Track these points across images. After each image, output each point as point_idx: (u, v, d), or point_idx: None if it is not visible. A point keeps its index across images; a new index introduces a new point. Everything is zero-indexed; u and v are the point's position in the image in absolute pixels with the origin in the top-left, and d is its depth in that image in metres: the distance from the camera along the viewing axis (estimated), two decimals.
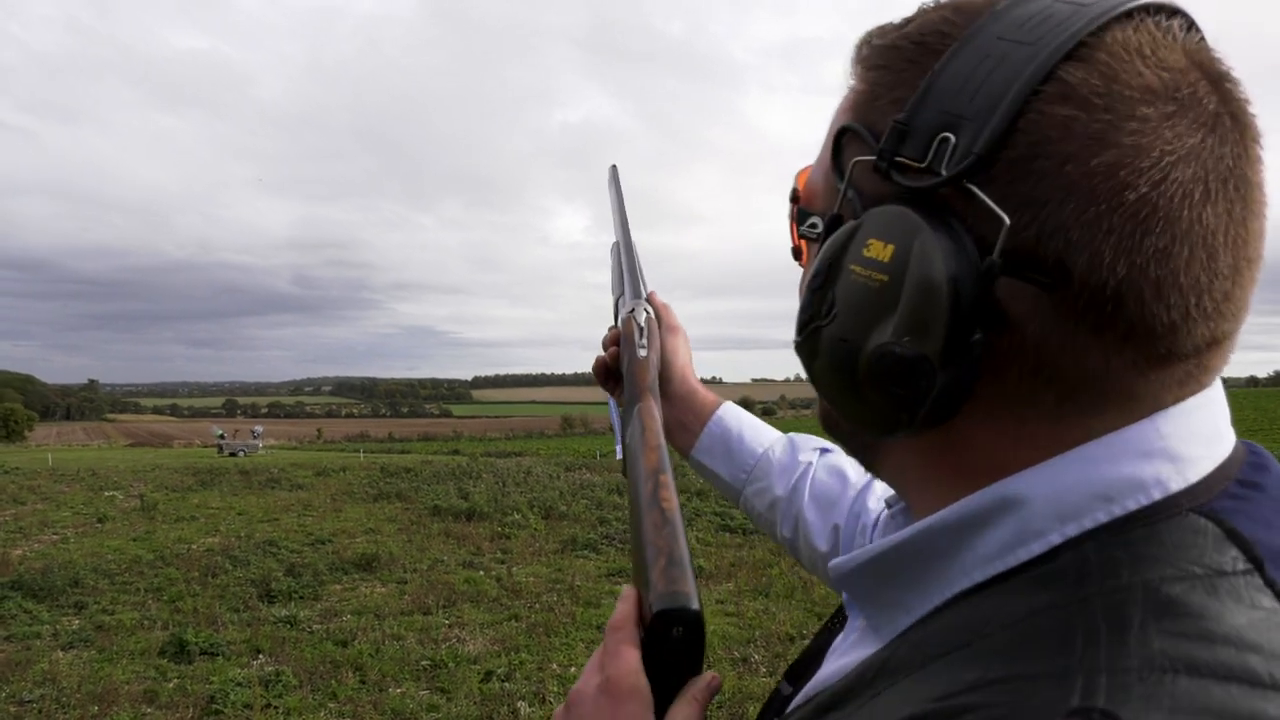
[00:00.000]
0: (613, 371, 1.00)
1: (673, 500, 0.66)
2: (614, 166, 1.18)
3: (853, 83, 0.52)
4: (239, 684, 5.89)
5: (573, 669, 6.27)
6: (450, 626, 7.37)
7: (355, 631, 7.12)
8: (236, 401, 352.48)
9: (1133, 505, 0.43)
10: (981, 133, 0.42)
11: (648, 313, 0.98)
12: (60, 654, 6.63)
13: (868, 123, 0.49)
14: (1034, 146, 0.42)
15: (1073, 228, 0.41)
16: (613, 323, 1.05)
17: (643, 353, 0.93)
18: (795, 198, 0.58)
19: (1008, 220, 0.41)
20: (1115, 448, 0.44)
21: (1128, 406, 0.44)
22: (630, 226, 1.11)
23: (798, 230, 0.58)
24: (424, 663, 6.38)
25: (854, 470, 0.96)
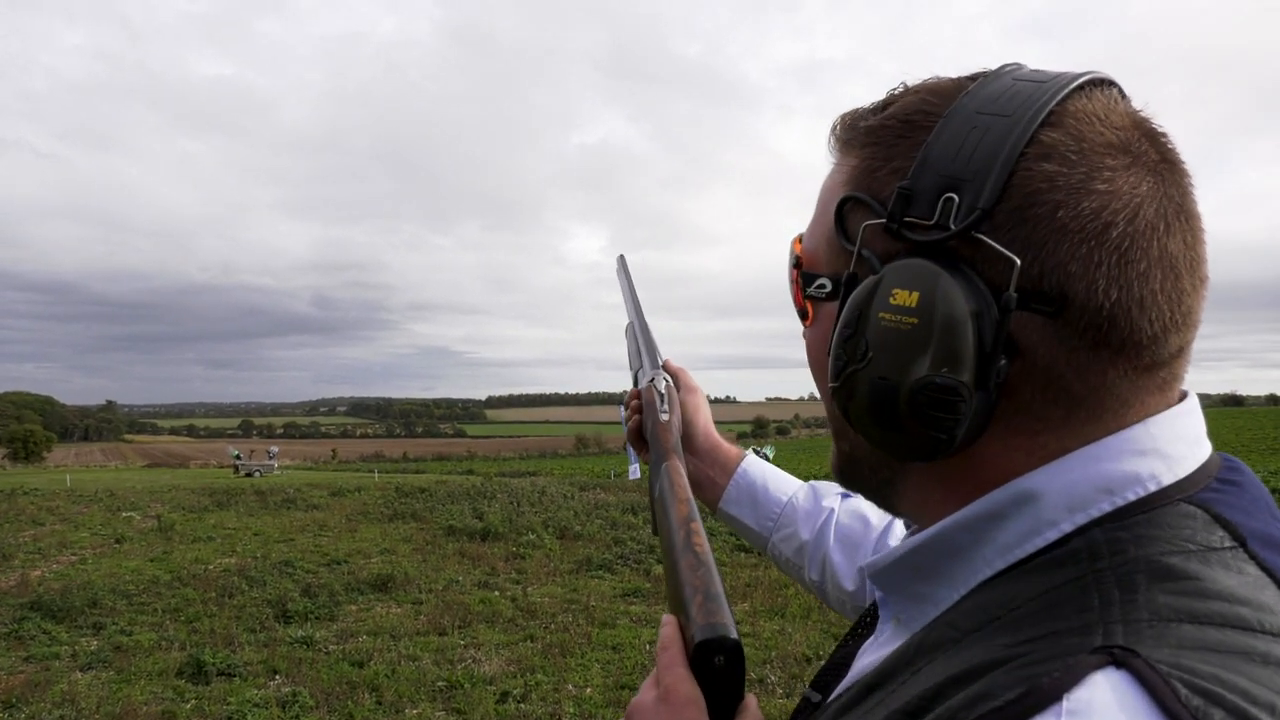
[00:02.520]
0: (641, 435, 1.08)
1: (705, 544, 0.71)
2: (622, 256, 1.27)
3: (837, 160, 0.60)
4: (256, 705, 5.91)
5: (588, 690, 6.25)
6: (466, 647, 7.37)
7: (371, 652, 7.13)
8: (253, 422, 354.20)
9: (1131, 496, 0.50)
10: (983, 190, 0.49)
11: (666, 380, 1.07)
12: (79, 675, 6.67)
13: (871, 192, 0.55)
14: (1028, 198, 0.49)
15: (1070, 262, 0.48)
16: (633, 388, 1.13)
17: (665, 416, 1.00)
18: (798, 263, 0.63)
19: (1018, 261, 0.48)
20: (1114, 448, 0.51)
21: (1120, 413, 0.51)
22: (642, 306, 1.20)
23: (803, 293, 0.63)
24: (440, 683, 6.38)
25: (875, 514, 1.01)
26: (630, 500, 17.39)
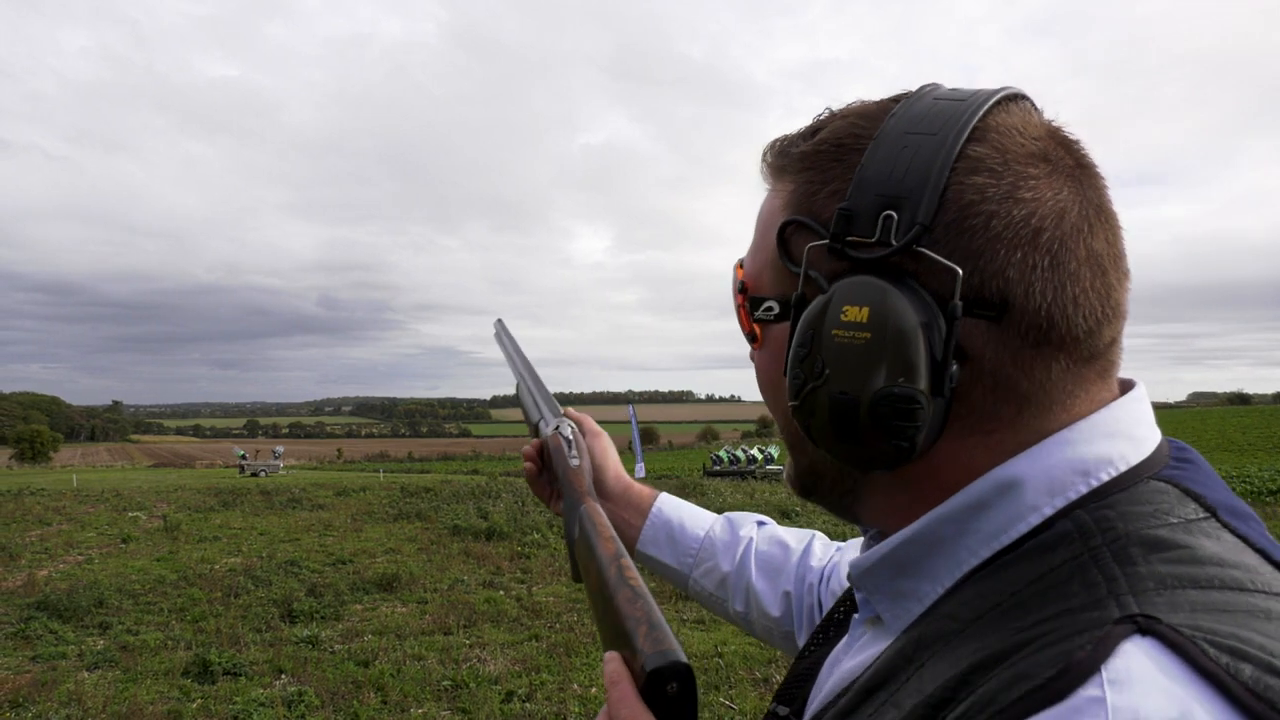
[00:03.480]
0: (549, 485, 1.08)
1: (638, 577, 0.72)
2: (499, 320, 1.31)
3: (772, 186, 0.63)
4: (262, 704, 5.92)
5: (593, 689, 6.25)
6: (471, 647, 7.38)
7: (376, 652, 7.14)
8: (258, 422, 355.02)
9: (1105, 477, 0.52)
10: (920, 206, 0.52)
11: (572, 427, 1.07)
12: (85, 674, 6.69)
13: (812, 214, 0.57)
14: (962, 210, 0.52)
15: (1007, 268, 0.51)
16: (535, 439, 1.13)
17: (575, 462, 1.00)
18: (743, 288, 0.65)
19: (960, 271, 0.51)
20: (1085, 432, 0.53)
21: (1069, 404, 0.54)
22: (530, 361, 1.23)
23: (750, 316, 0.64)
24: (445, 683, 6.39)
25: (792, 538, 1.02)
26: None
